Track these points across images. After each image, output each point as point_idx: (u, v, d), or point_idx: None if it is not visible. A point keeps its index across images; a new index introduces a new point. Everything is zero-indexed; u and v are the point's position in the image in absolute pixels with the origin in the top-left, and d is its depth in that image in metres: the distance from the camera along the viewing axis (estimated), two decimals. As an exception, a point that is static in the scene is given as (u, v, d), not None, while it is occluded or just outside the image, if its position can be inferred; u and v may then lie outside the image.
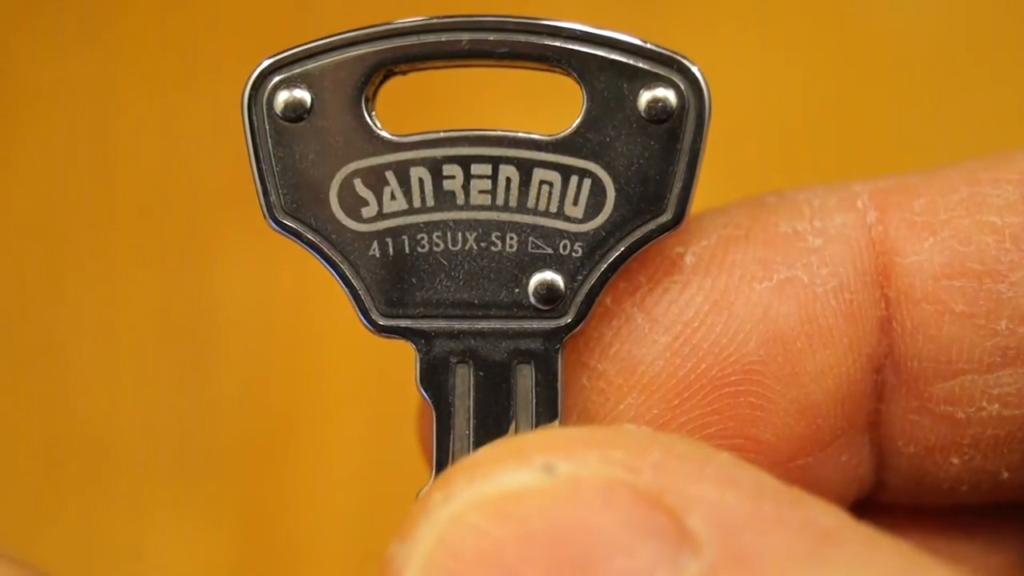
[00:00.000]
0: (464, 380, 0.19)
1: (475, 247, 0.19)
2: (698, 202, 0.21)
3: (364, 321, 0.19)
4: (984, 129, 0.49)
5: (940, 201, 0.22)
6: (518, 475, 0.16)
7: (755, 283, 0.21)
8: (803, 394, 0.21)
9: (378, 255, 0.18)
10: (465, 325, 0.19)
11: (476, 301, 0.19)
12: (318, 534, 0.48)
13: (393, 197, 0.18)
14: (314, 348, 0.50)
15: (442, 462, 0.19)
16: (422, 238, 0.18)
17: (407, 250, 0.18)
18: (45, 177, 0.51)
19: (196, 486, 0.49)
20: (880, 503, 0.24)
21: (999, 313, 0.21)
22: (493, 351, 0.19)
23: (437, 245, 0.18)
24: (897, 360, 0.22)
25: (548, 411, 0.19)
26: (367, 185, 0.18)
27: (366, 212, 0.18)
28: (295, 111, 0.18)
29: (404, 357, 0.53)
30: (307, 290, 0.50)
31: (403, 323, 0.19)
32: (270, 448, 0.49)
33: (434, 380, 0.19)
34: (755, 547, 0.15)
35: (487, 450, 0.17)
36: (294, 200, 0.18)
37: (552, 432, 0.17)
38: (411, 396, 0.54)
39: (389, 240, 0.18)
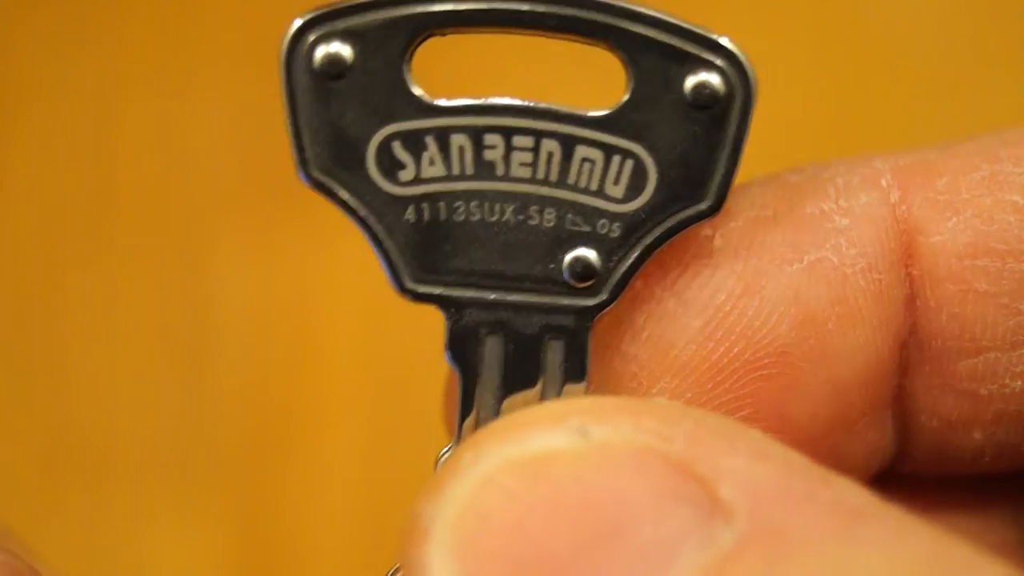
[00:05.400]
0: (493, 351, 0.19)
1: (512, 219, 0.18)
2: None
3: (395, 285, 0.18)
4: (986, 127, 0.49)
5: (962, 180, 0.21)
6: (551, 437, 0.15)
7: (786, 265, 0.21)
8: (834, 375, 0.21)
9: (413, 220, 0.18)
10: (497, 296, 0.19)
11: (510, 273, 0.18)
12: (318, 534, 0.48)
13: (432, 163, 0.18)
14: (314, 348, 0.50)
15: (464, 431, 0.19)
16: (459, 206, 0.18)
17: (443, 217, 0.18)
18: (45, 177, 0.51)
19: (196, 486, 0.49)
20: (902, 473, 0.24)
21: (1022, 293, 0.21)
22: (524, 324, 0.19)
23: (474, 214, 0.18)
24: (920, 338, 0.22)
25: (576, 388, 0.19)
26: (406, 148, 0.18)
27: (403, 175, 0.18)
28: (335, 67, 0.18)
29: (405, 357, 0.53)
30: (307, 290, 0.50)
31: (435, 290, 0.18)
32: (270, 448, 0.49)
33: (463, 350, 0.19)
34: (786, 521, 0.15)
35: (520, 413, 0.16)
36: (330, 158, 0.18)
37: (586, 398, 0.17)
38: (411, 396, 0.54)
39: (425, 206, 0.18)
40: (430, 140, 0.18)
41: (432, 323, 0.48)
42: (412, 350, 0.51)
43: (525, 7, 0.18)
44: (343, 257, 0.50)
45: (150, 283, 0.50)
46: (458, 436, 0.19)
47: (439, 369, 0.55)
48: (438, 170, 0.18)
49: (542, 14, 0.18)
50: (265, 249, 0.50)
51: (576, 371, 0.19)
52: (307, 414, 0.49)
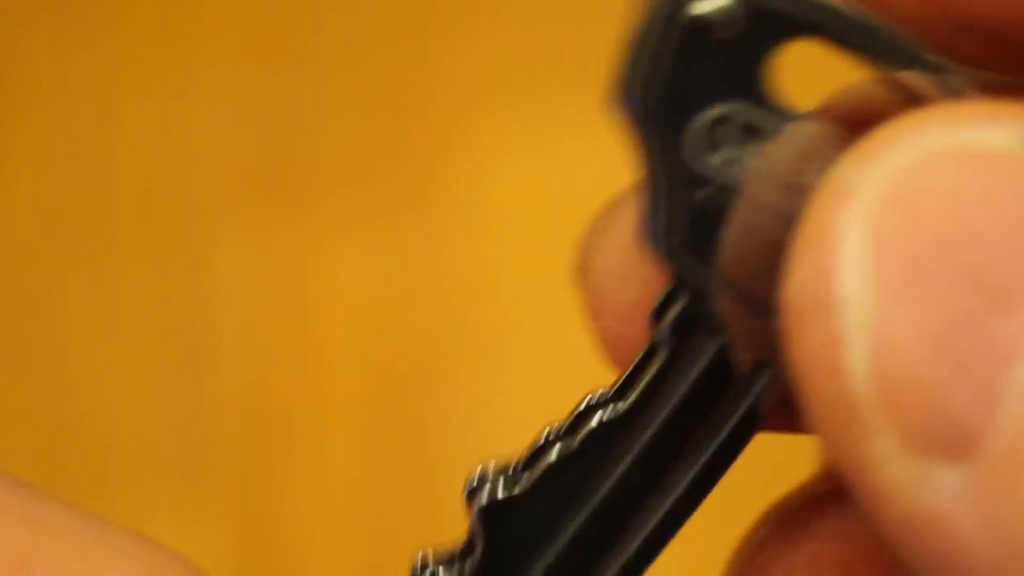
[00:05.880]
0: (703, 347, 0.18)
1: (781, 244, 0.17)
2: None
3: (648, 235, 0.17)
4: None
5: None
6: (992, 135, 0.14)
7: None
8: None
9: (698, 200, 0.17)
10: (735, 307, 0.18)
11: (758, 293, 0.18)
12: (318, 534, 0.48)
13: (749, 161, 0.17)
14: (314, 348, 0.50)
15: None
16: (747, 213, 0.17)
17: (724, 215, 0.17)
18: (45, 177, 0.51)
19: (196, 486, 0.49)
20: None
21: None
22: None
23: (753, 227, 0.17)
24: None
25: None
26: (735, 134, 0.17)
27: (715, 157, 0.17)
28: (708, 25, 0.17)
29: (405, 357, 0.53)
30: (307, 290, 0.50)
31: (680, 267, 0.17)
32: (270, 448, 0.49)
33: (679, 334, 0.18)
34: None
35: (962, 105, 0.16)
36: (656, 104, 0.17)
37: (1020, 105, 0.16)
38: (411, 396, 0.54)
39: (717, 195, 0.17)
40: (759, 139, 0.17)
41: (431, 324, 0.48)
42: (412, 350, 0.51)
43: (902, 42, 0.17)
44: (343, 257, 0.50)
45: (150, 283, 0.50)
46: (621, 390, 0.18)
47: (438, 369, 0.55)
48: (742, 173, 0.17)
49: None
50: (265, 249, 0.50)
51: (771, 397, 0.18)
52: (307, 414, 0.49)
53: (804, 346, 0.15)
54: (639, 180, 0.17)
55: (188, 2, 0.53)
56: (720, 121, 0.17)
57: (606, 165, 0.56)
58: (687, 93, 0.17)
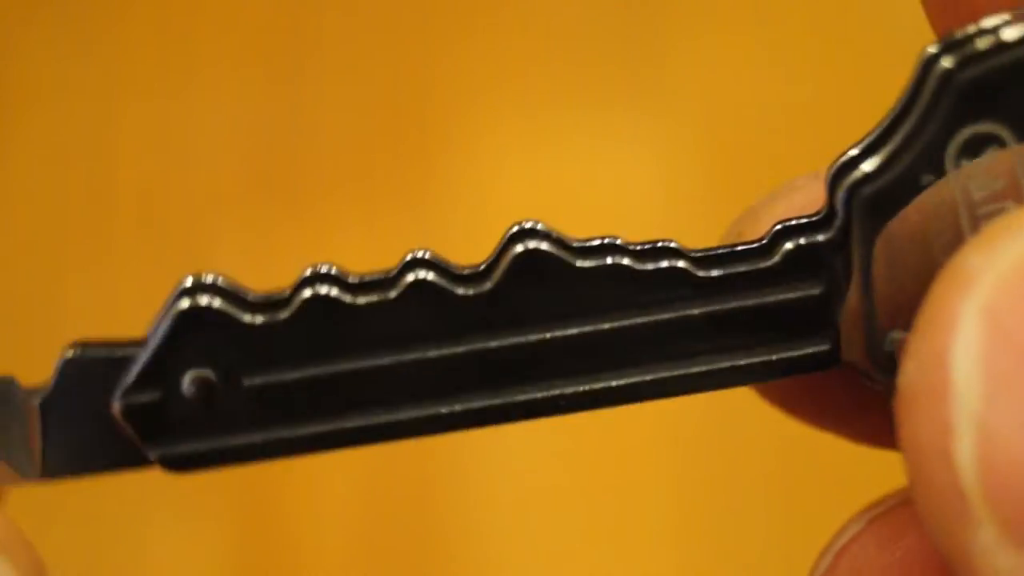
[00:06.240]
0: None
1: None
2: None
3: (846, 165, 0.18)
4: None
5: None
6: None
7: None
8: None
9: (918, 183, 0.17)
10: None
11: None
12: (318, 534, 0.48)
13: (981, 187, 0.18)
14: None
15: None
16: (941, 220, 0.18)
17: (917, 210, 0.17)
18: (45, 177, 0.51)
19: (196, 486, 0.49)
20: None
21: None
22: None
23: (935, 231, 0.18)
24: None
25: None
26: (984, 155, 0.18)
27: (960, 160, 0.18)
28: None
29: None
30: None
31: (850, 211, 0.18)
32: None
33: (798, 259, 0.18)
34: None
35: None
36: (968, 78, 0.17)
37: None
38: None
39: (934, 187, 0.17)
40: (1001, 167, 0.18)
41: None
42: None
43: None
44: (343, 257, 0.50)
45: (150, 283, 0.50)
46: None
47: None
48: (980, 189, 0.18)
49: None
50: (265, 249, 0.50)
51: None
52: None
53: (915, 432, 0.15)
54: (888, 117, 0.18)
55: (188, 2, 0.53)
56: (993, 138, 0.17)
57: (606, 165, 0.56)
58: (996, 96, 0.17)
